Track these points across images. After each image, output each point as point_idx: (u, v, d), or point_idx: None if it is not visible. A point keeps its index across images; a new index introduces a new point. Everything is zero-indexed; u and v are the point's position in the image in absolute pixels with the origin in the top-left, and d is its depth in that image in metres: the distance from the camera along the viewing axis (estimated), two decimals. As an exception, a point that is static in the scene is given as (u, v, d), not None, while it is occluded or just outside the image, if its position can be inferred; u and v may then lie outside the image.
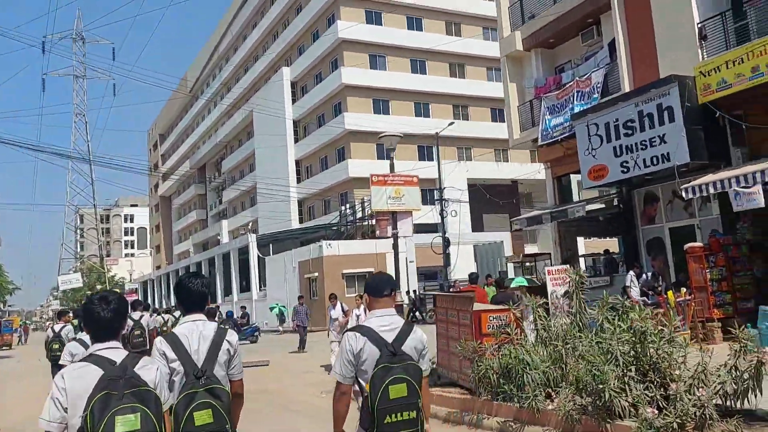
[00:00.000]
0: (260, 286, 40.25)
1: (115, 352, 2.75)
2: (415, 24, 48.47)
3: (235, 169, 65.49)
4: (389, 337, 3.27)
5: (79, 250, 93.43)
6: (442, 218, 30.67)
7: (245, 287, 42.46)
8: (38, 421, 2.61)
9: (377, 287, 3.49)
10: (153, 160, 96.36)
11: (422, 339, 3.42)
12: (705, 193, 11.82)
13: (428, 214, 44.75)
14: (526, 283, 13.30)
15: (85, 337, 6.66)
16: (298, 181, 52.00)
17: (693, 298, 11.84)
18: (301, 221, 51.16)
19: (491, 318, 8.57)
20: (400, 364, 3.17)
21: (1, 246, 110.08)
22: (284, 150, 51.59)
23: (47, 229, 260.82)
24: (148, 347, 12.21)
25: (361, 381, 3.25)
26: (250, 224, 45.14)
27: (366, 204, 37.04)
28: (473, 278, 15.56)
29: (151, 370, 2.75)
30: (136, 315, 13.34)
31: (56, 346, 11.02)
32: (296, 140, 52.37)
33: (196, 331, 3.25)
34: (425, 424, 3.25)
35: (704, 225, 14.03)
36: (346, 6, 46.11)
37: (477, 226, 45.69)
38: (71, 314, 13.23)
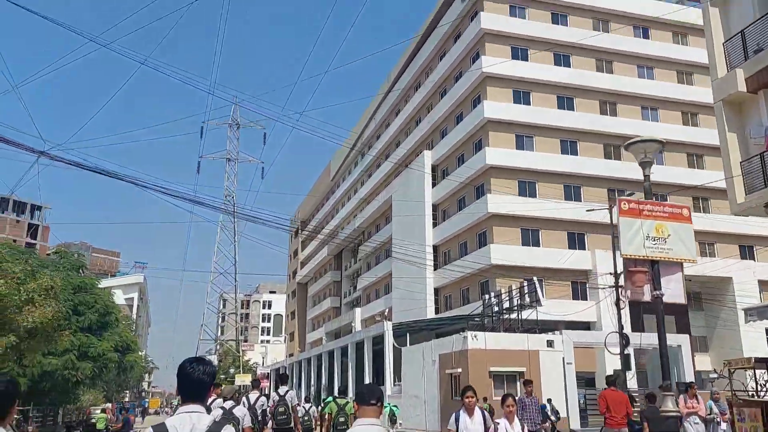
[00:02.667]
0: (395, 380, 36.11)
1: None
2: (566, 103, 44.73)
3: (371, 256, 63.28)
4: None
5: (219, 333, 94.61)
6: (619, 310, 25.14)
7: (379, 380, 38.49)
8: None
9: (365, 396, 3.58)
10: (293, 247, 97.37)
11: None
12: None
13: (582, 310, 39.31)
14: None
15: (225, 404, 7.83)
16: (435, 267, 48.39)
17: None
18: (437, 311, 47.10)
19: None
20: None
21: (151, 327, 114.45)
22: (422, 234, 48.48)
23: (192, 314, 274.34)
24: (291, 425, 12.08)
25: None
26: (387, 311, 41.66)
27: (513, 293, 32.45)
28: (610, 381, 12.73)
29: None
30: (281, 390, 12.58)
31: (281, 409, 11.65)
32: (435, 224, 49.21)
33: (188, 424, 2.95)
34: None
35: None
36: (492, 86, 43.46)
37: (635, 325, 39.23)
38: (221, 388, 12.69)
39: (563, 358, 28.37)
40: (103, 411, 31.79)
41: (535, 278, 31.12)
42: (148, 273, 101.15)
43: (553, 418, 23.75)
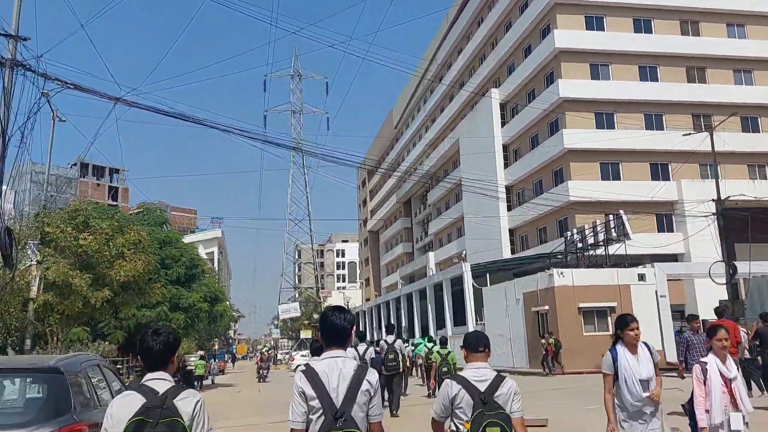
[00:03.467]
0: (476, 320, 35.43)
1: (160, 383, 2.90)
2: (643, 26, 41.50)
3: (440, 201, 62.18)
4: (482, 387, 3.71)
5: (297, 282, 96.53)
6: (722, 238, 23.24)
7: (459, 320, 37.93)
8: None
9: (473, 344, 3.94)
10: (362, 196, 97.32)
11: (510, 389, 3.73)
12: None
13: (671, 243, 37.16)
14: None
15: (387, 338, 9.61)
16: (509, 209, 46.89)
17: None
18: (512, 251, 45.86)
19: None
20: (492, 412, 3.59)
21: (232, 279, 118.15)
22: (494, 176, 46.87)
23: (268, 263, 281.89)
24: (401, 370, 13.17)
25: (457, 423, 3.65)
26: (464, 253, 40.72)
27: (598, 228, 30.82)
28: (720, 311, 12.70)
29: (189, 403, 2.87)
30: (389, 339, 13.51)
31: (392, 356, 13.15)
32: (506, 165, 47.47)
33: (336, 369, 3.09)
34: None
35: None
36: (562, 13, 40.70)
37: (728, 257, 36.83)
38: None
39: (656, 291, 26.84)
40: (202, 358, 32.77)
41: (622, 212, 29.33)
42: (225, 227, 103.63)
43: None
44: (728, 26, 42.11)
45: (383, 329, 55.30)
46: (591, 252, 30.55)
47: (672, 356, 26.85)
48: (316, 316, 61.21)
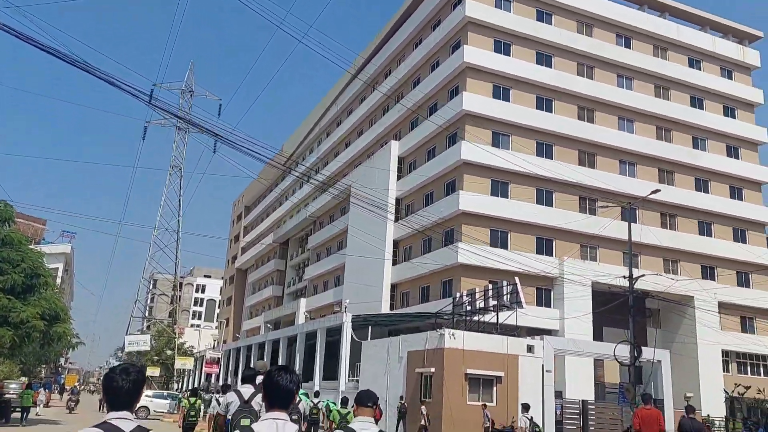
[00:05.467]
0: (349, 375, 32.81)
1: (126, 422, 2.81)
2: (545, 105, 42.61)
3: (321, 246, 59.62)
4: None
5: (147, 314, 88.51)
6: (640, 319, 22.50)
7: (330, 374, 35.11)
8: None
9: (364, 399, 4.05)
10: (234, 231, 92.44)
11: None
12: None
13: (546, 318, 37.10)
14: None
15: (242, 389, 6.94)
16: (394, 263, 45.37)
17: None
18: (392, 307, 44.06)
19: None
20: None
21: (73, 302, 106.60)
22: (382, 229, 45.31)
23: (118, 289, 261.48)
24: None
25: None
26: (346, 303, 38.18)
27: (490, 293, 29.73)
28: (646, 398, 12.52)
29: None
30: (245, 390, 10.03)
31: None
32: (397, 218, 46.20)
33: (275, 431, 3.03)
34: None
35: None
36: (472, 78, 40.85)
37: (596, 336, 37.41)
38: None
39: (543, 365, 25.87)
40: (28, 386, 27.18)
41: (516, 279, 28.49)
42: (77, 244, 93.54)
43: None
44: (619, 119, 44.34)
45: (239, 376, 50.85)
46: (479, 317, 29.26)
47: (552, 434, 25.82)
48: (169, 352, 55.30)
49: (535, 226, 39.78)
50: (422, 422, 22.49)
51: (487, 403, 24.29)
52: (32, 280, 23.31)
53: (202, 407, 14.53)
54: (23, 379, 32.78)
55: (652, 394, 21.90)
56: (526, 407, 14.86)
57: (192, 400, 14.99)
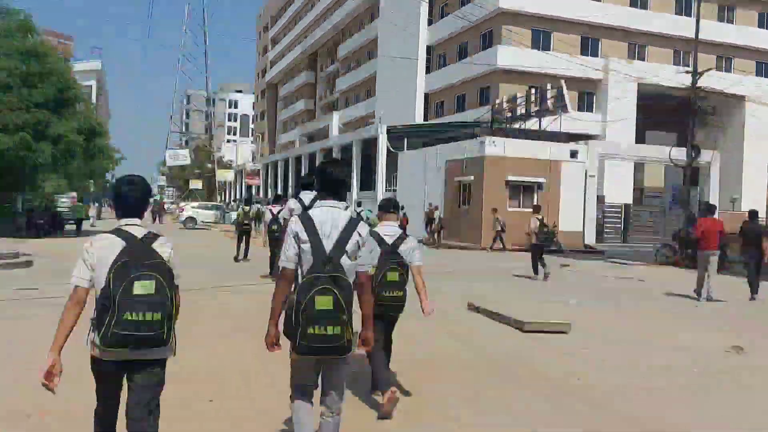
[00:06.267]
0: (387, 186, 32.87)
1: (136, 228, 2.95)
2: None
3: (351, 57, 57.18)
4: (389, 241, 4.68)
5: (183, 129, 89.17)
6: (693, 119, 20.80)
7: (367, 185, 35.27)
8: (71, 278, 2.83)
9: (386, 206, 4.95)
10: (262, 43, 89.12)
11: (412, 244, 4.78)
12: None
13: (589, 121, 35.63)
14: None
15: (303, 196, 7.60)
16: (428, 71, 43.36)
17: None
18: (425, 118, 42.96)
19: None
20: (395, 260, 4.62)
21: (111, 119, 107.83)
22: (414, 34, 42.63)
23: (153, 107, 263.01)
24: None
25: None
26: (380, 114, 37.16)
27: (532, 98, 28.29)
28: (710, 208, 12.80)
29: (165, 247, 2.96)
30: (276, 208, 12.41)
31: (275, 227, 11.97)
32: (430, 22, 43.25)
33: (330, 218, 3.17)
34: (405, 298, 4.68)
35: None
36: None
37: (639, 142, 36.15)
38: (285, 199, 12.98)
39: (585, 170, 25.24)
40: (80, 200, 28.29)
41: (563, 82, 26.81)
42: (105, 60, 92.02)
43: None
44: None
45: (277, 190, 51.82)
46: (520, 124, 28.17)
47: (591, 238, 25.98)
48: (209, 166, 56.28)
49: (581, 23, 36.76)
50: (498, 228, 22.47)
51: (531, 208, 24.13)
52: (64, 94, 22.65)
53: (254, 216, 15.00)
54: (73, 193, 33.57)
55: (709, 200, 21.37)
56: (536, 209, 14.46)
57: (246, 208, 15.49)
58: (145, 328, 2.76)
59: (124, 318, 2.74)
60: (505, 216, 23.07)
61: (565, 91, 26.14)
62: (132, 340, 2.77)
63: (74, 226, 27.29)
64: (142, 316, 2.75)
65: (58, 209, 27.62)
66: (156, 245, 2.92)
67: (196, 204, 38.78)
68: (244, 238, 15.31)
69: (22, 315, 7.87)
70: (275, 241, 12.09)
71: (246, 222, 15.32)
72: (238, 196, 63.84)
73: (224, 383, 5.16)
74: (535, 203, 20.17)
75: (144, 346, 2.81)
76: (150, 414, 2.90)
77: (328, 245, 3.07)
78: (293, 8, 74.19)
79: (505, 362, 6.30)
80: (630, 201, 30.97)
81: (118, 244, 2.85)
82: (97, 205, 39.81)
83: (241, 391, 5.01)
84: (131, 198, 3.00)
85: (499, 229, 22.46)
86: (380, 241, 4.59)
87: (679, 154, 19.59)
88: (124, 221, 2.98)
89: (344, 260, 3.07)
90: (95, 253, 2.85)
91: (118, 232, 2.92)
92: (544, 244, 13.76)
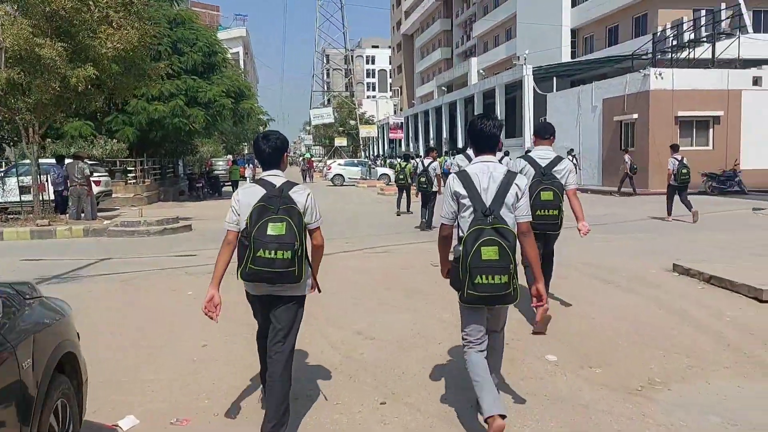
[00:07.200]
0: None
1: (276, 178, 3.30)
2: None
3: (488, -2, 54.06)
4: (543, 164, 5.02)
5: (326, 89, 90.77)
6: None
7: (512, 132, 33.20)
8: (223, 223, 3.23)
9: (541, 132, 5.27)
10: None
11: (567, 166, 5.10)
12: None
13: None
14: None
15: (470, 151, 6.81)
16: (573, 4, 39.65)
17: None
18: (573, 56, 39.51)
19: None
20: (548, 181, 4.96)
21: (259, 83, 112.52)
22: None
23: (295, 68, 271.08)
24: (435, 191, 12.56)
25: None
26: (525, 54, 34.52)
27: (703, 21, 24.52)
28: None
29: (302, 195, 3.26)
30: (426, 161, 12.95)
31: (423, 179, 12.59)
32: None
33: (486, 172, 3.21)
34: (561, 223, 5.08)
35: None
36: None
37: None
38: (436, 151, 13.81)
39: (772, 100, 21.49)
40: (234, 162, 29.33)
41: (741, 0, 22.87)
42: (249, 26, 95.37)
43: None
44: None
45: (420, 144, 50.92)
46: (688, 52, 24.54)
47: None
48: (352, 122, 56.60)
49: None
50: (625, 170, 20.11)
51: (703, 149, 21.09)
52: (210, 59, 23.04)
53: (409, 172, 15.28)
54: (228, 156, 35.25)
55: None
56: (674, 148, 12.38)
57: (403, 164, 15.74)
58: (276, 264, 3.05)
59: (258, 255, 3.06)
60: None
61: (743, 7, 22.23)
62: (265, 276, 3.10)
63: (231, 188, 28.36)
64: (273, 254, 3.04)
65: (216, 172, 28.79)
66: (292, 192, 3.23)
67: (342, 161, 39.04)
68: (404, 192, 15.77)
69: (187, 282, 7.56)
70: (424, 194, 12.53)
71: (402, 177, 15.54)
72: (381, 152, 63.94)
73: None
74: (672, 144, 17.23)
75: (277, 282, 3.13)
76: (283, 343, 3.20)
77: (487, 198, 3.13)
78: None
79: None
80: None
81: (258, 191, 3.23)
82: (251, 165, 41.54)
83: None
84: (267, 152, 3.32)
85: (629, 170, 19.91)
86: (534, 163, 5.05)
87: None
88: (266, 173, 3.34)
89: (504, 212, 3.13)
90: (240, 200, 3.26)
91: (260, 181, 3.31)
92: (680, 186, 12.70)
